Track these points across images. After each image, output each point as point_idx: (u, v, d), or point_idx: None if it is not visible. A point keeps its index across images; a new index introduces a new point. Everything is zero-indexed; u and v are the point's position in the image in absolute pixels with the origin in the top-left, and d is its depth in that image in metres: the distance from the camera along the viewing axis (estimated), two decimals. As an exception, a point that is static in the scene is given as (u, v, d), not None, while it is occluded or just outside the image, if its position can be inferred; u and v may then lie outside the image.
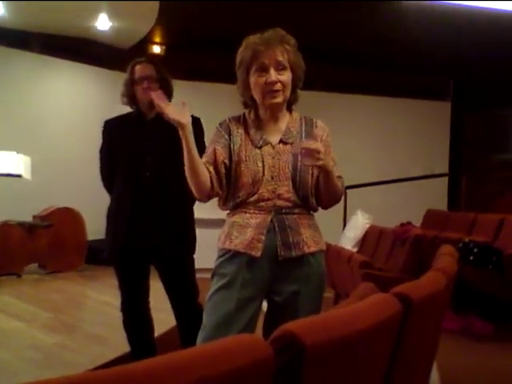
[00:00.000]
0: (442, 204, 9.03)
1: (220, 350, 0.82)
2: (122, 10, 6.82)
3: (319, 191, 2.08)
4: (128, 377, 0.73)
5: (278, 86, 2.00)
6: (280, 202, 2.01)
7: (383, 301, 1.31)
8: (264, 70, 1.99)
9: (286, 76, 2.01)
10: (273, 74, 1.98)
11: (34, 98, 7.53)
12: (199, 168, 1.96)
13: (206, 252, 3.28)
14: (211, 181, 2.01)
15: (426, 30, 7.18)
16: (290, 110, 2.14)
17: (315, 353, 0.93)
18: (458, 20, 6.76)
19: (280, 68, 2.00)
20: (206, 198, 2.05)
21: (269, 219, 2.00)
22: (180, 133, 1.93)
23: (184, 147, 1.93)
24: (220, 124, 2.12)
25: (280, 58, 2.00)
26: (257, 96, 2.04)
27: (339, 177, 2.08)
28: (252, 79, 2.02)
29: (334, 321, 1.06)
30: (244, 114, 2.14)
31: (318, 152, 1.87)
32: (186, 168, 1.96)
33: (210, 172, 2.01)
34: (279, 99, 2.02)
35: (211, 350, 0.81)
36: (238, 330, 1.95)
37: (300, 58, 2.07)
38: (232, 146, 2.06)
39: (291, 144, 2.06)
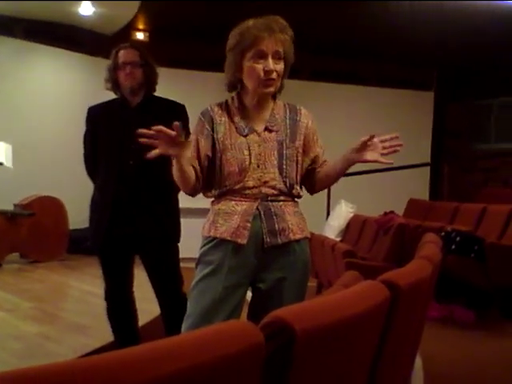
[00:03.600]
0: (424, 193, 9.10)
1: (211, 336, 0.81)
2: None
3: (319, 179, 2.11)
4: (115, 364, 0.72)
5: (274, 75, 1.98)
6: (266, 190, 2.00)
7: (371, 288, 1.31)
8: (262, 57, 1.96)
9: (281, 66, 2.00)
10: (271, 63, 1.96)
11: (16, 85, 7.43)
12: (187, 172, 1.97)
13: (191, 241, 3.26)
14: (196, 176, 2.01)
15: (410, 19, 7.20)
16: (274, 97, 2.12)
17: (305, 339, 0.92)
18: (442, 9, 6.78)
19: (277, 57, 1.98)
20: (192, 192, 2.06)
21: (254, 206, 1.99)
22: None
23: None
24: (202, 113, 2.09)
25: (279, 49, 1.98)
26: (250, 82, 2.01)
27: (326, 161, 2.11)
28: (247, 64, 1.99)
29: (324, 307, 1.06)
30: (226, 100, 2.12)
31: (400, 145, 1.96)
32: (174, 170, 1.97)
33: (194, 167, 2.01)
34: (272, 89, 2.01)
35: (202, 337, 0.80)
36: (224, 317, 1.95)
37: (293, 49, 2.05)
38: (216, 136, 2.04)
39: (276, 131, 2.05)
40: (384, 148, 1.95)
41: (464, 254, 4.62)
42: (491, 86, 9.24)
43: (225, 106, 2.09)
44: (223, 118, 2.06)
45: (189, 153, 1.95)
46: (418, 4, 6.58)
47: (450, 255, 4.53)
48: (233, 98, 2.10)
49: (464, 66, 9.27)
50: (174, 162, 1.93)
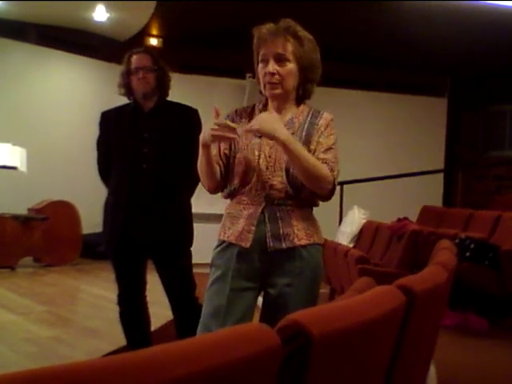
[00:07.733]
0: (437, 200, 9.04)
1: (227, 338, 0.80)
2: (120, 1, 6.79)
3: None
4: (130, 366, 0.71)
5: (276, 79, 1.98)
6: (273, 193, 1.99)
7: (387, 293, 1.30)
8: (264, 60, 1.99)
9: (287, 68, 1.98)
10: (271, 66, 1.97)
11: (30, 90, 7.49)
12: (214, 163, 1.99)
13: (204, 246, 3.26)
14: (220, 173, 2.03)
15: (424, 26, 7.18)
16: (298, 103, 2.10)
17: (322, 342, 0.92)
18: (456, 17, 6.76)
19: (280, 59, 1.97)
20: (215, 188, 2.06)
21: (260, 210, 1.98)
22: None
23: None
24: (226, 115, 2.12)
25: (279, 51, 1.96)
26: (260, 85, 2.05)
27: (325, 161, 1.97)
28: (258, 68, 2.04)
29: (340, 311, 1.05)
30: (254, 104, 2.15)
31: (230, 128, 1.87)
32: (204, 162, 1.96)
33: (218, 165, 2.03)
34: (277, 91, 2.00)
35: (217, 339, 0.79)
36: (234, 320, 1.96)
37: (308, 50, 2.02)
38: None
39: (291, 134, 2.03)
40: None
41: (478, 261, 4.58)
42: (505, 93, 9.18)
43: (250, 109, 2.12)
44: (244, 120, 2.08)
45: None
46: (433, 11, 6.56)
47: (464, 263, 4.49)
48: (261, 101, 2.11)
49: (478, 72, 9.23)
50: (204, 152, 1.92)
